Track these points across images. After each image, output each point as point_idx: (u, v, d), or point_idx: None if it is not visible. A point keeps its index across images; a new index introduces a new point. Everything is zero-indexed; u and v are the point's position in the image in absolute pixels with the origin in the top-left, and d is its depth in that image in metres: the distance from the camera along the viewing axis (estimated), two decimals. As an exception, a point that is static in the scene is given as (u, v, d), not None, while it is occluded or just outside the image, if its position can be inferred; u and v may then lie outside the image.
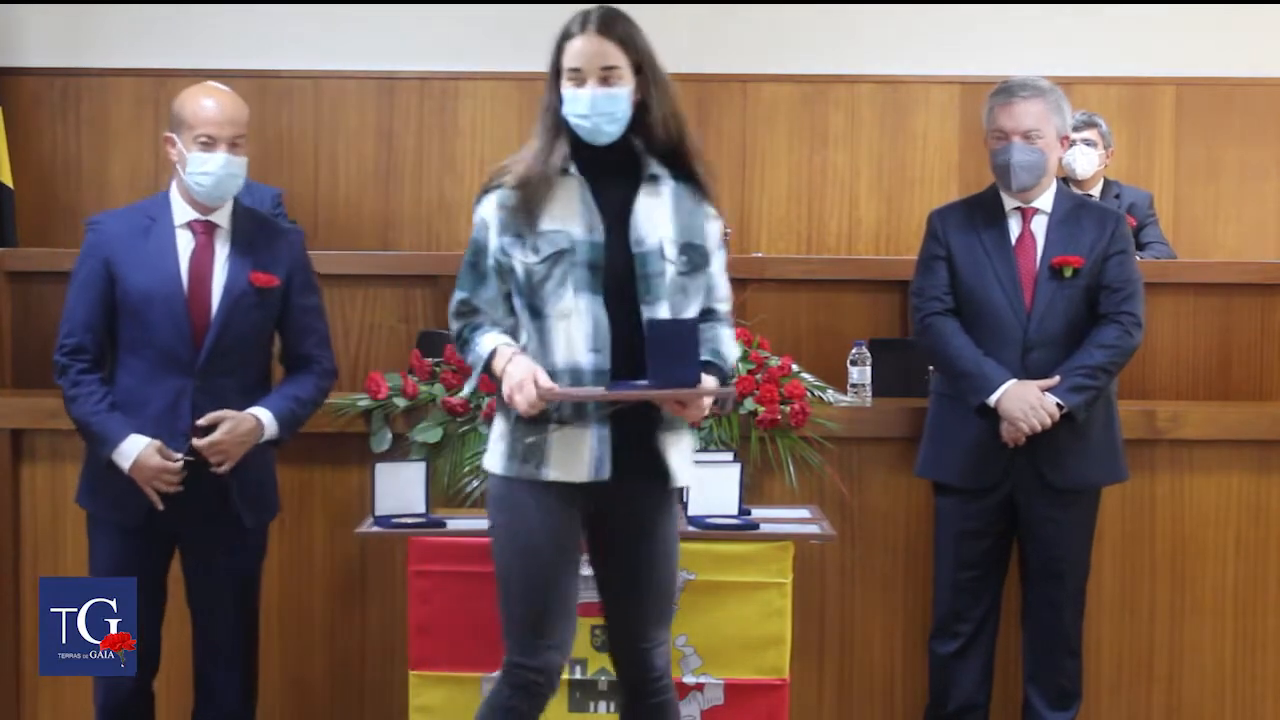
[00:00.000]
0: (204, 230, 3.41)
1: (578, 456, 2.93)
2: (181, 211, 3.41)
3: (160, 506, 3.34)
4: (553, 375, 2.89)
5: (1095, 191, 5.39)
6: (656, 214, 2.98)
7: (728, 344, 3.06)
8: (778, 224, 6.42)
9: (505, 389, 2.90)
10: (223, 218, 3.43)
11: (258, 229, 3.48)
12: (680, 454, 3.00)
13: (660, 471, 2.98)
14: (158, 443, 3.34)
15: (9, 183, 6.08)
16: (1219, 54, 6.37)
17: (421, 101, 6.40)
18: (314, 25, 6.38)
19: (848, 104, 6.43)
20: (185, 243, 3.40)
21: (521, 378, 2.86)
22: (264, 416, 3.39)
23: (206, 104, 3.38)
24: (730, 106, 6.41)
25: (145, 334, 3.36)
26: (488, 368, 2.96)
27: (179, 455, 3.34)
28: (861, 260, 5.66)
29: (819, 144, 6.43)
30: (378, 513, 3.54)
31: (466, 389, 3.18)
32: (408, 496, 3.57)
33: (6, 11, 6.31)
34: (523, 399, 2.85)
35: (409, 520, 3.54)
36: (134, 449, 3.32)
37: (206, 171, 3.35)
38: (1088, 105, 5.88)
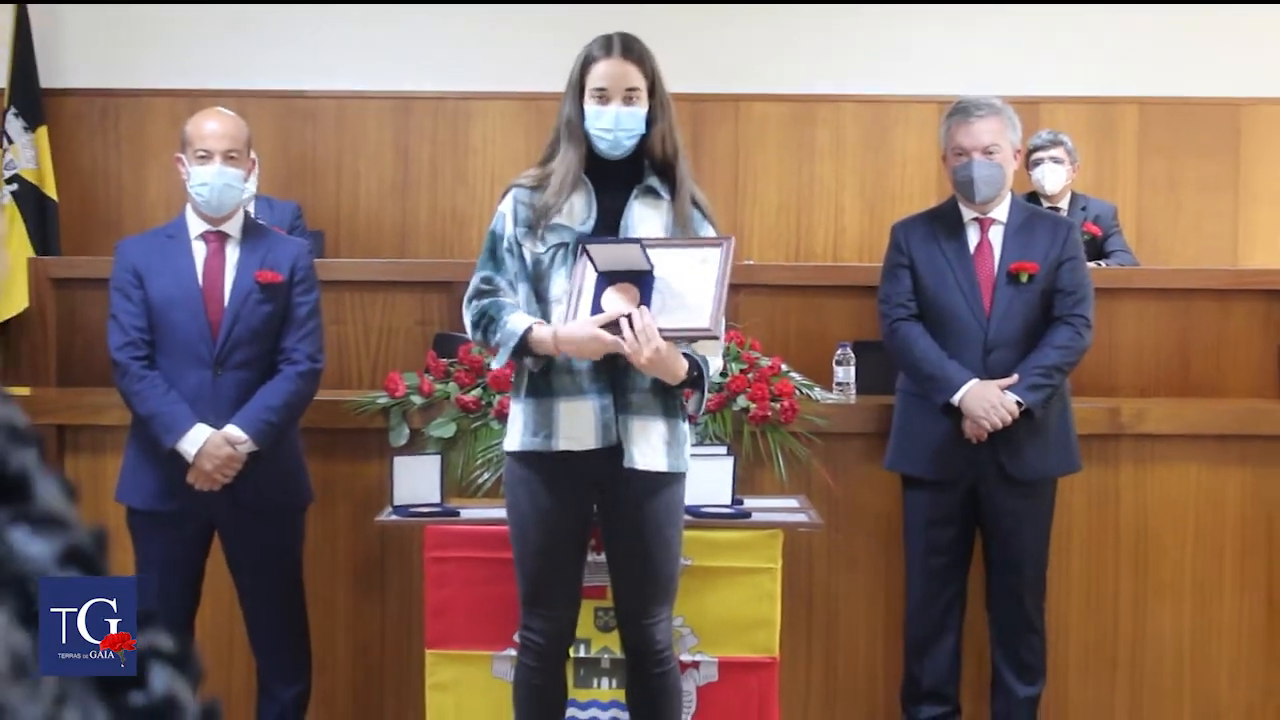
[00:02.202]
0: (216, 239, 3.61)
1: (585, 425, 3.04)
2: (196, 225, 3.62)
3: (216, 488, 3.48)
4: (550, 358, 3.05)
5: (1063, 205, 5.37)
6: (650, 221, 3.12)
7: (711, 356, 3.11)
8: (768, 233, 6.43)
9: (573, 351, 3.00)
10: (233, 228, 3.63)
11: (265, 237, 3.68)
12: (644, 437, 3.05)
13: (643, 454, 3.05)
14: (224, 432, 3.48)
15: (54, 195, 6.18)
16: (1179, 75, 6.39)
17: (436, 120, 6.44)
18: (337, 49, 6.41)
19: (833, 122, 6.47)
20: (200, 251, 3.60)
21: (583, 336, 2.97)
22: (235, 433, 3.49)
23: (203, 123, 3.60)
24: (724, 123, 6.43)
25: (170, 334, 3.54)
26: (522, 345, 3.01)
27: (244, 437, 3.48)
28: (846, 267, 5.68)
29: (806, 159, 6.45)
30: (396, 502, 3.61)
31: (498, 362, 3.16)
32: (424, 487, 3.62)
33: (51, 36, 6.35)
34: (599, 347, 2.96)
35: (425, 509, 3.60)
36: (200, 436, 3.48)
37: (204, 182, 3.54)
38: (1055, 123, 5.93)
